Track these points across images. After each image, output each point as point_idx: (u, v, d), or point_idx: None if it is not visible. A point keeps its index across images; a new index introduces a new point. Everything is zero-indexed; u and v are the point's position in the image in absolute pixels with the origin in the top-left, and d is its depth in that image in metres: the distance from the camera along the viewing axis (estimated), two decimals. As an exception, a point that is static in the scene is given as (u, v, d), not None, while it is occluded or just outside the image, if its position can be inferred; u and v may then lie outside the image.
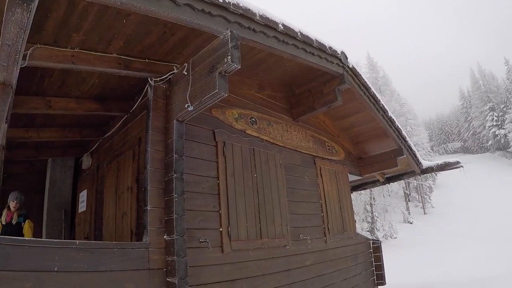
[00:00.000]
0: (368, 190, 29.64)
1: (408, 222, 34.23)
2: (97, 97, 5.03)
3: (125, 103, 5.25)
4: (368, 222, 28.24)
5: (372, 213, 28.46)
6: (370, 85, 6.46)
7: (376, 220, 28.51)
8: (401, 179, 8.78)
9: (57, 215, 6.88)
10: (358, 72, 6.09)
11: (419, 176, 8.51)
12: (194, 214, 3.93)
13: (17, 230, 5.02)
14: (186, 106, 3.75)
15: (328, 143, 7.21)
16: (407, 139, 7.61)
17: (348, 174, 7.86)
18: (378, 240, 7.67)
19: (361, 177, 8.37)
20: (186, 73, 4.01)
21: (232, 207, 4.47)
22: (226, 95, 3.53)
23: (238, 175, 4.76)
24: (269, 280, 4.63)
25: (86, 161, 6.61)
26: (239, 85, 5.44)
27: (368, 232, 27.35)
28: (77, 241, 3.02)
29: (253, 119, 5.48)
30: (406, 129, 39.75)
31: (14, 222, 5.08)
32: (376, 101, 6.62)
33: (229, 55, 3.38)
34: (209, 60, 3.70)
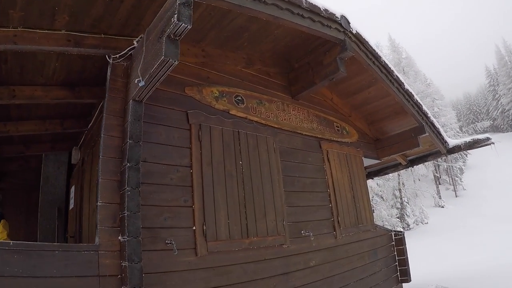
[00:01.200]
0: (396, 174, 28.16)
1: (440, 206, 32.66)
2: (65, 83, 4.55)
3: (98, 89, 4.68)
4: (397, 209, 26.87)
5: (401, 198, 27.02)
6: (380, 54, 5.53)
7: (406, 205, 27.07)
8: (425, 161, 7.73)
9: (50, 213, 6.53)
10: (364, 39, 5.18)
11: (445, 157, 7.46)
12: (159, 211, 3.34)
13: None
14: (136, 82, 3.14)
15: (337, 123, 6.35)
16: (429, 114, 6.57)
17: (364, 158, 6.95)
18: (400, 232, 6.73)
19: (379, 161, 7.43)
20: (141, 45, 3.37)
21: (209, 201, 3.78)
22: (176, 62, 2.83)
23: (218, 163, 4.06)
24: (261, 286, 3.92)
25: (75, 155, 6.18)
26: (220, 60, 4.71)
27: (398, 219, 26.07)
28: (11, 242, 2.54)
29: (239, 98, 4.74)
30: (433, 110, 37.78)
31: None
32: (388, 71, 5.67)
33: (175, 14, 2.66)
34: (160, 25, 3.01)
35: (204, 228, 3.62)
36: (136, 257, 2.88)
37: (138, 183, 3.08)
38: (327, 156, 5.73)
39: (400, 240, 6.58)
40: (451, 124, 38.33)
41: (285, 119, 5.22)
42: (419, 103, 6.33)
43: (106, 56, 3.61)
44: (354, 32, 4.96)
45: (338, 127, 6.33)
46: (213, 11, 3.90)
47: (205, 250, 3.56)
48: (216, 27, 4.22)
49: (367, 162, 7.58)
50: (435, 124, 6.70)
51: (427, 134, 6.45)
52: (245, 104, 4.75)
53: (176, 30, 2.74)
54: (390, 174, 28.72)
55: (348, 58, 5.05)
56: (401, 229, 24.99)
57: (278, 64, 5.58)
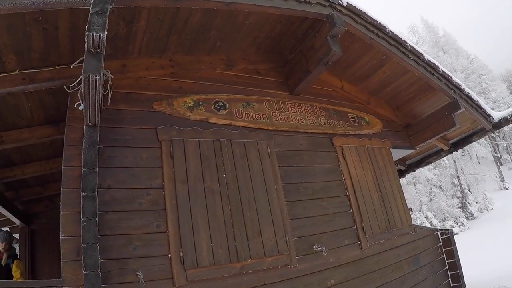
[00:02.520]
0: (451, 161, 25.49)
1: (504, 188, 29.19)
2: (48, 121, 4.48)
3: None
4: (458, 198, 24.28)
5: (461, 186, 24.44)
6: (385, 24, 4.66)
7: (467, 193, 24.39)
8: (470, 142, 6.47)
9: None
10: (360, 10, 4.39)
11: (492, 133, 6.19)
12: (128, 239, 3.03)
13: (6, 272, 4.84)
14: (76, 105, 2.93)
15: (352, 114, 5.50)
16: (463, 86, 5.45)
17: (394, 149, 5.99)
18: (447, 230, 5.61)
19: (414, 150, 6.37)
20: None
21: (186, 224, 3.32)
22: (98, 77, 2.52)
23: (195, 180, 3.56)
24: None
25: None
26: (193, 66, 4.26)
27: (459, 209, 23.51)
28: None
29: (220, 103, 4.18)
30: (482, 86, 34.22)
31: (3, 263, 4.89)
32: (399, 43, 4.76)
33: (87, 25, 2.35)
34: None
35: (181, 254, 3.18)
36: (95, 292, 2.55)
37: (94, 213, 2.83)
38: (342, 154, 4.91)
39: (448, 240, 5.47)
40: (503, 98, 34.54)
41: (281, 119, 4.54)
42: (447, 74, 5.27)
43: (64, 86, 3.31)
44: (344, 4, 4.20)
45: (354, 118, 5.47)
46: (158, 14, 3.46)
47: (184, 279, 3.11)
48: (173, 32, 3.78)
49: (400, 153, 6.57)
50: (472, 96, 5.56)
51: (463, 109, 5.34)
52: (227, 110, 4.19)
53: (92, 42, 2.40)
54: (446, 161, 26.30)
55: (342, 35, 4.30)
56: (464, 220, 22.81)
57: (268, 59, 4.96)
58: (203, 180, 3.61)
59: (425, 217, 22.66)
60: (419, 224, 5.59)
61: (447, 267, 5.35)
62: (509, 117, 5.85)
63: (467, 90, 5.53)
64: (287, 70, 5.01)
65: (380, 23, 4.58)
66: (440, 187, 24.76)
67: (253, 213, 3.73)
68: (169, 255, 3.14)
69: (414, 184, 23.82)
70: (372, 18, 4.50)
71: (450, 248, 5.41)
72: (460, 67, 33.61)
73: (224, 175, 3.75)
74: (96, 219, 2.83)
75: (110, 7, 2.54)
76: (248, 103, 4.40)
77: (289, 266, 3.71)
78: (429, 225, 22.40)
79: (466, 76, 34.87)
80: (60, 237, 2.82)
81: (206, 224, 3.42)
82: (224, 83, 4.41)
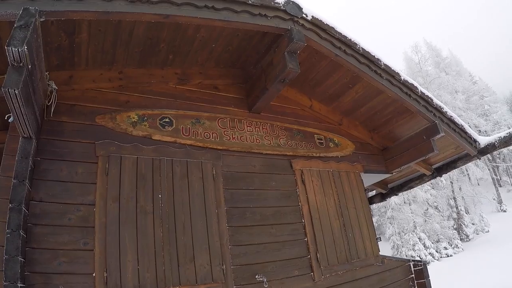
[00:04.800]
0: (448, 181, 24.66)
1: (502, 210, 28.28)
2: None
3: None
4: (454, 219, 23.44)
5: (457, 207, 23.63)
6: (356, 40, 4.38)
7: (463, 215, 23.56)
8: (455, 168, 6.02)
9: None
10: (327, 24, 4.14)
11: (477, 159, 5.77)
12: (54, 254, 2.93)
13: None
14: (6, 118, 3.00)
15: (319, 135, 5.20)
16: (445, 109, 5.09)
17: (369, 174, 5.66)
18: (420, 261, 5.19)
19: (390, 174, 5.99)
20: None
21: (113, 243, 3.14)
22: (16, 91, 2.38)
23: (127, 199, 3.37)
24: None
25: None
26: (143, 80, 4.09)
27: (455, 231, 22.67)
28: None
29: (167, 120, 3.96)
30: (484, 107, 33.23)
31: None
32: (371, 60, 4.47)
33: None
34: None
35: (105, 275, 3.00)
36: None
37: (19, 225, 2.73)
38: (302, 177, 4.61)
39: (421, 272, 5.04)
40: (505, 120, 33.52)
41: (234, 138, 4.29)
42: (426, 96, 4.94)
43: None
44: (309, 18, 3.96)
45: (321, 139, 5.17)
46: (100, 26, 3.31)
47: None
48: (119, 44, 3.63)
49: (377, 177, 6.21)
50: (455, 120, 5.19)
51: (443, 134, 4.97)
52: (174, 126, 3.96)
53: (13, 56, 2.34)
54: (444, 181, 25.49)
55: (309, 51, 4.24)
56: (459, 241, 21.96)
57: (229, 74, 4.74)
58: (137, 200, 3.41)
59: (418, 238, 21.97)
60: (387, 255, 5.19)
61: (416, 304, 4.94)
62: (496, 143, 5.44)
63: (450, 113, 5.18)
64: (249, 86, 4.78)
65: (350, 39, 4.30)
66: (437, 208, 23.98)
67: (187, 237, 3.48)
68: (94, 274, 2.99)
69: (409, 204, 23.16)
70: (340, 33, 4.23)
71: (423, 280, 4.99)
72: (461, 88, 32.88)
73: (160, 196, 3.53)
74: (21, 231, 2.71)
75: (42, 19, 2.59)
76: (198, 120, 4.17)
77: (224, 298, 3.41)
78: (422, 246, 21.68)
79: (468, 98, 34.15)
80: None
81: (134, 245, 3.22)
82: (176, 98, 4.22)
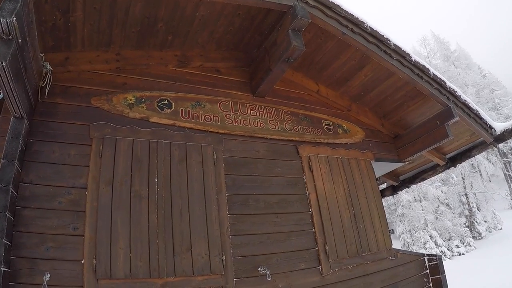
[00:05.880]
0: (460, 178, 24.04)
1: None
2: None
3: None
4: (465, 216, 22.84)
5: (469, 204, 23.04)
6: (363, 19, 4.12)
7: (475, 212, 22.94)
8: (470, 157, 5.71)
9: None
10: (332, 2, 3.89)
11: (494, 147, 5.43)
12: (41, 239, 2.79)
13: None
14: None
15: (327, 120, 4.93)
16: (459, 93, 4.79)
17: (379, 163, 5.37)
18: (435, 255, 4.88)
19: (402, 163, 5.68)
20: None
21: (104, 229, 2.96)
22: (3, 63, 2.25)
23: (121, 183, 3.18)
24: None
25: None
26: (141, 61, 3.91)
27: (467, 228, 22.06)
28: None
29: (165, 102, 3.76)
30: (494, 101, 32.39)
31: None
32: (380, 40, 4.21)
33: None
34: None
35: (94, 262, 2.82)
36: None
37: (5, 207, 2.60)
38: (309, 164, 4.34)
39: (436, 267, 4.73)
40: None
41: (236, 122, 4.05)
42: (439, 78, 4.64)
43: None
44: (312, -6, 3.71)
45: (329, 125, 4.90)
46: (95, 3, 3.17)
47: None
48: (115, 24, 3.47)
49: (388, 166, 5.92)
50: (470, 104, 4.88)
51: (457, 118, 4.66)
52: (172, 109, 3.75)
53: (1, 27, 2.22)
54: (455, 178, 24.85)
55: (314, 31, 4.10)
56: (471, 239, 21.36)
57: (231, 57, 4.53)
58: (131, 184, 3.22)
59: (430, 236, 21.41)
60: (400, 249, 4.88)
61: (431, 300, 4.63)
62: (513, 129, 5.12)
63: (464, 97, 4.87)
64: (252, 69, 4.54)
65: (357, 18, 4.05)
66: (448, 205, 23.39)
67: (184, 224, 3.24)
68: (82, 261, 2.81)
69: (420, 201, 22.63)
70: (346, 11, 3.99)
71: (438, 276, 4.68)
72: (471, 82, 32.12)
73: (156, 180, 3.31)
74: (7, 213, 2.59)
75: None
76: (199, 103, 3.94)
77: (225, 290, 3.17)
78: (433, 244, 21.15)
79: (478, 92, 33.29)
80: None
81: (126, 232, 3.02)
82: (175, 81, 4.02)
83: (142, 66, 3.89)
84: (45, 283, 2.57)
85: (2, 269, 2.44)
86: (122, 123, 3.45)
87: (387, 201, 25.39)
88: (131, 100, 3.62)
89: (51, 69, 3.28)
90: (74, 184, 3.06)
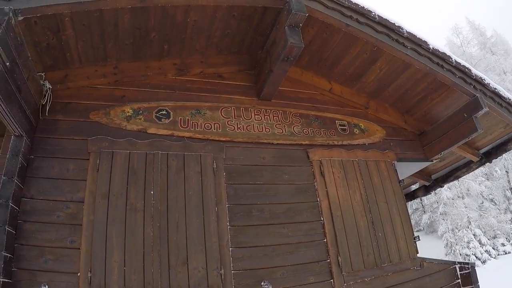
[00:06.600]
0: (504, 172, 21.97)
1: None
2: None
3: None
4: (511, 212, 20.89)
5: None
6: (370, 7, 3.80)
7: None
8: (506, 151, 5.05)
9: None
10: (333, -10, 3.60)
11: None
12: (40, 252, 2.87)
13: None
14: None
15: (342, 120, 4.62)
16: (487, 80, 4.29)
17: (406, 163, 4.97)
18: (468, 263, 4.37)
19: (430, 162, 5.20)
20: None
21: (99, 242, 2.98)
22: None
23: (117, 195, 3.17)
24: None
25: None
26: (139, 73, 3.87)
27: None
28: None
29: (164, 112, 3.68)
30: None
31: None
32: (390, 29, 3.86)
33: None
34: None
35: (89, 275, 2.84)
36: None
37: (5, 221, 2.71)
38: (320, 169, 4.07)
39: (468, 277, 4.25)
40: None
41: (239, 128, 3.88)
42: (463, 66, 4.19)
43: None
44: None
45: (343, 125, 4.58)
46: (82, 20, 3.17)
47: None
48: (107, 38, 3.47)
49: (417, 166, 5.46)
50: (501, 93, 4.35)
51: (486, 109, 4.18)
52: (171, 119, 3.66)
53: None
54: (499, 171, 22.80)
55: (318, 25, 3.81)
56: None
57: (233, 61, 4.38)
58: (127, 196, 3.20)
59: (473, 235, 19.84)
60: (427, 257, 4.41)
61: (464, 315, 4.17)
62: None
63: (493, 85, 4.36)
64: (257, 72, 4.36)
65: (362, 7, 3.76)
66: (492, 201, 21.60)
67: (180, 237, 3.15)
68: (78, 274, 2.85)
69: (463, 197, 21.08)
70: (350, 1, 3.70)
71: (471, 287, 4.20)
72: (510, 68, 29.48)
73: (152, 192, 3.24)
74: (7, 227, 2.69)
75: (20, 18, 2.57)
76: (198, 111, 3.81)
77: (222, 307, 3.00)
78: (477, 243, 19.58)
79: None
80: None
81: (121, 245, 3.01)
82: (175, 90, 3.95)
83: (140, 78, 3.87)
84: None
85: (1, 280, 2.55)
86: (119, 136, 3.44)
87: (428, 199, 24.01)
88: (128, 112, 3.59)
89: (50, 87, 3.37)
90: (72, 198, 3.10)
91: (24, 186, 3.00)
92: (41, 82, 3.31)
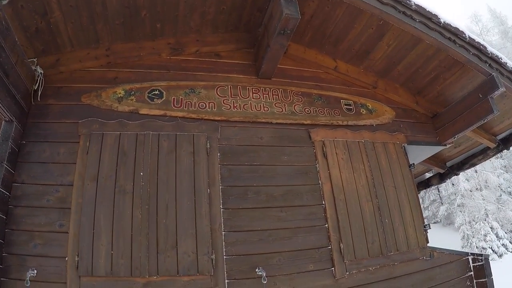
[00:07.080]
0: None
1: None
2: None
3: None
4: None
5: None
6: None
7: None
8: None
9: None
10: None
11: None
12: (30, 236, 2.86)
13: None
14: None
15: (347, 100, 4.36)
16: (504, 59, 3.95)
17: (417, 146, 4.67)
18: (481, 255, 4.09)
19: (443, 146, 4.88)
20: None
21: (87, 225, 2.91)
22: None
23: (106, 178, 3.08)
24: None
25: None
26: (132, 54, 3.75)
27: None
28: None
29: (157, 92, 3.56)
30: None
31: None
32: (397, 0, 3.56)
33: None
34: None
35: (77, 259, 2.79)
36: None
37: None
38: (323, 150, 3.84)
39: (481, 269, 3.96)
40: None
41: (235, 107, 3.70)
42: (477, 43, 3.86)
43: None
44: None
45: (349, 105, 4.33)
46: (69, 1, 3.06)
47: (77, 286, 2.71)
48: (96, 18, 3.36)
49: (428, 150, 5.13)
50: (520, 70, 4.03)
51: (503, 89, 3.86)
52: (164, 98, 3.54)
53: None
54: None
55: None
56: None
57: (231, 39, 4.20)
58: (116, 179, 3.10)
59: (490, 228, 19.15)
60: (438, 247, 4.12)
61: (478, 308, 3.89)
62: None
63: (511, 64, 4.03)
64: (256, 49, 4.15)
65: (369, -23, 3.46)
66: (511, 194, 20.74)
67: (170, 220, 3.02)
68: (66, 258, 2.80)
69: (480, 190, 20.33)
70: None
71: (484, 280, 3.93)
72: None
73: (142, 173, 3.12)
74: None
75: (5, 2, 2.48)
76: (193, 90, 3.65)
77: (213, 292, 2.85)
78: (494, 237, 18.90)
79: None
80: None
81: (109, 228, 2.91)
82: (169, 70, 3.81)
83: (133, 59, 3.75)
84: (27, 278, 2.59)
85: None
86: (110, 118, 3.35)
87: (446, 190, 23.31)
88: (120, 93, 3.49)
89: (42, 72, 3.31)
90: (62, 181, 3.05)
91: (15, 172, 2.98)
92: (33, 68, 3.25)
